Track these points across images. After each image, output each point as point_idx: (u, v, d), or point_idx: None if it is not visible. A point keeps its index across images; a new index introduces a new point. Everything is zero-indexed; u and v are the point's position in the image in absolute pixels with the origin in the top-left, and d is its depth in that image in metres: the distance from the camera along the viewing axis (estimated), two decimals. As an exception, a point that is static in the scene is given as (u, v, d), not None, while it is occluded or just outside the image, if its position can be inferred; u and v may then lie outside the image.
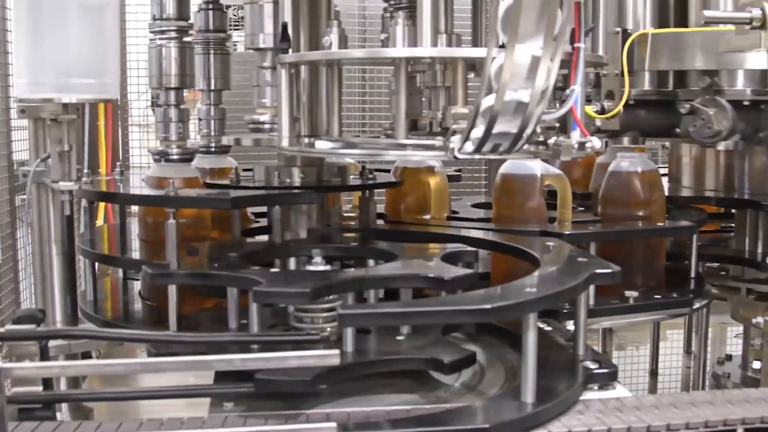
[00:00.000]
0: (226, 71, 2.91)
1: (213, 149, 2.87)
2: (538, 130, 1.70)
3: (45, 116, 2.46)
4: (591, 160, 2.79)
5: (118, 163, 3.19)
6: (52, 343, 1.90)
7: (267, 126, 2.33)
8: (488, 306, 1.44)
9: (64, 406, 2.34)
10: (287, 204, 2.20)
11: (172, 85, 2.56)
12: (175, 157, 2.54)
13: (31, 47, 2.41)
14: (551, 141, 1.75)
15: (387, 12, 2.36)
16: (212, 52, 2.87)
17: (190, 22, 2.61)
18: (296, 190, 2.28)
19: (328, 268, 1.77)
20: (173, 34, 2.53)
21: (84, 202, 2.89)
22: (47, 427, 1.49)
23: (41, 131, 2.52)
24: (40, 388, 1.64)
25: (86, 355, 2.74)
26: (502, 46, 1.59)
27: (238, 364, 1.39)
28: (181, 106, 2.60)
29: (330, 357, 1.38)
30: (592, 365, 1.72)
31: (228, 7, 4.92)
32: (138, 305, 2.42)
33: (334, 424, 1.40)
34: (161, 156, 2.54)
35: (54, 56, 2.38)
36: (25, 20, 2.43)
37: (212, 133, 2.88)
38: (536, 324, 1.52)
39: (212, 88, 2.89)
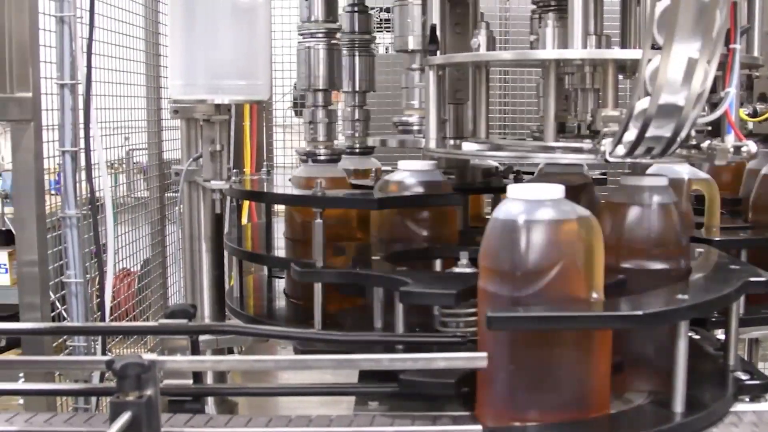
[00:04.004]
0: (370, 73, 2.94)
1: (357, 150, 2.91)
2: (693, 133, 1.66)
3: (198, 117, 2.52)
4: (739, 165, 2.70)
5: (265, 163, 3.26)
6: (199, 337, 1.94)
7: (415, 127, 2.34)
8: (640, 312, 1.42)
9: (210, 399, 2.39)
10: (434, 205, 2.20)
11: (320, 87, 2.59)
12: (322, 157, 2.58)
13: (186, 50, 2.47)
14: (705, 145, 1.71)
15: (534, 14, 2.35)
16: (357, 53, 2.91)
17: (338, 24, 2.64)
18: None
19: (474, 270, 1.76)
20: (321, 36, 2.56)
21: (231, 201, 2.96)
22: (200, 420, 1.53)
23: (193, 131, 2.58)
24: (190, 382, 1.68)
25: (230, 351, 2.80)
26: (654, 47, 1.56)
27: (385, 364, 1.40)
28: (329, 107, 2.63)
29: (477, 360, 1.37)
30: (743, 376, 1.67)
31: (371, 8, 5.00)
32: (281, 302, 2.47)
33: (479, 427, 1.40)
34: (308, 156, 2.58)
35: (207, 58, 2.44)
36: (180, 24, 2.50)
37: (356, 135, 2.92)
38: (687, 332, 1.49)
39: (357, 89, 2.93)
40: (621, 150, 1.61)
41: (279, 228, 2.61)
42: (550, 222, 1.43)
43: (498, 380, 1.46)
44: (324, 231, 1.99)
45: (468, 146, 2.03)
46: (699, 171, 2.27)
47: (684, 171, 2.23)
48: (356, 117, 2.93)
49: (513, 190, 1.47)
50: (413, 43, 2.37)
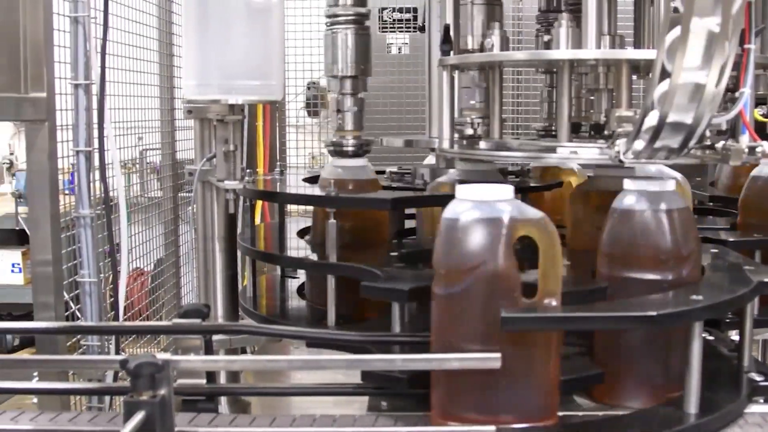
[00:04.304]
0: None
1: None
2: (707, 133, 1.65)
3: (211, 117, 2.52)
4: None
5: (278, 163, 3.25)
6: (212, 337, 1.95)
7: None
8: (654, 313, 1.41)
9: (223, 398, 2.40)
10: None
11: (349, 74, 2.44)
12: (350, 149, 2.45)
13: (200, 50, 2.47)
14: (719, 145, 1.71)
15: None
16: None
17: (368, 9, 2.49)
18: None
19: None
20: (351, 19, 2.42)
21: (244, 201, 2.96)
22: (224, 419, 1.54)
23: (207, 131, 2.58)
24: (203, 381, 1.68)
25: (242, 350, 2.80)
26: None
27: (399, 365, 1.40)
28: (358, 95, 2.49)
29: (491, 360, 1.37)
30: (757, 377, 1.66)
31: (383, 9, 5.00)
32: (294, 302, 2.47)
33: (493, 428, 1.39)
34: (335, 147, 2.47)
35: (221, 58, 2.44)
36: (194, 24, 2.50)
37: None
38: (701, 333, 1.48)
39: None
40: (638, 146, 1.60)
41: (292, 228, 2.61)
42: (485, 221, 1.40)
43: (443, 382, 1.45)
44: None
45: (482, 146, 2.02)
46: (666, 169, 2.23)
47: (651, 169, 2.19)
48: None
49: (461, 190, 1.44)
50: (472, 43, 2.30)
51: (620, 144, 1.64)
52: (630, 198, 1.63)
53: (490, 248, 1.39)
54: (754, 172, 2.29)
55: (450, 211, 1.44)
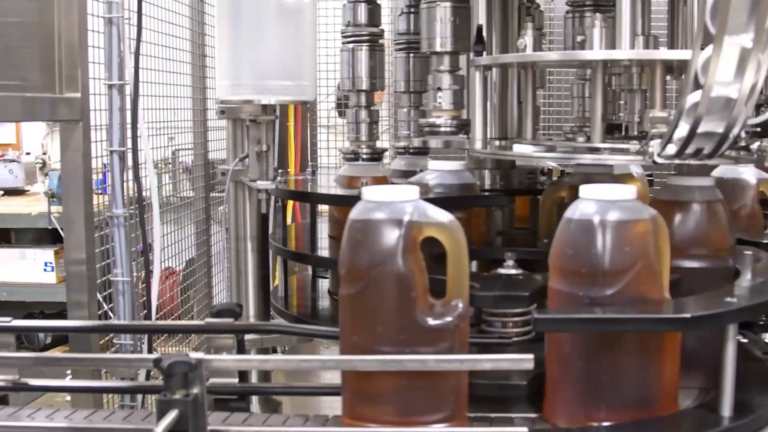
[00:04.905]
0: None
1: (364, 155, 2.73)
2: (742, 134, 1.64)
3: (244, 117, 2.53)
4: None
5: (310, 164, 3.26)
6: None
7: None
8: (688, 315, 1.40)
9: (254, 397, 2.40)
10: (479, 206, 2.19)
11: (363, 88, 2.59)
12: (365, 156, 2.59)
13: (233, 50, 2.49)
14: (754, 146, 1.69)
15: (569, 14, 2.33)
16: (413, 54, 2.79)
17: (380, 28, 2.64)
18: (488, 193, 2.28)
19: (519, 272, 1.76)
20: (365, 39, 2.57)
21: (276, 201, 2.97)
22: (259, 418, 1.54)
23: (239, 131, 2.59)
24: (235, 380, 1.69)
25: (273, 350, 2.81)
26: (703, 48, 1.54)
27: (432, 365, 1.40)
28: (372, 108, 2.63)
29: (524, 361, 1.37)
30: (791, 380, 1.66)
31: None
32: (325, 302, 2.47)
33: (525, 429, 1.39)
34: (352, 155, 2.59)
35: (254, 59, 2.46)
36: (227, 24, 2.52)
37: (412, 135, 2.82)
38: (736, 335, 1.47)
39: (412, 90, 2.83)
40: (670, 151, 1.60)
41: (323, 228, 2.62)
42: (385, 222, 1.38)
43: (351, 385, 1.45)
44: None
45: (516, 148, 2.01)
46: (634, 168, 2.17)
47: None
48: (411, 117, 2.81)
49: (366, 191, 1.42)
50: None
51: (654, 144, 1.63)
52: (577, 206, 1.48)
53: (389, 249, 1.37)
54: (714, 172, 2.26)
55: (353, 212, 1.42)
